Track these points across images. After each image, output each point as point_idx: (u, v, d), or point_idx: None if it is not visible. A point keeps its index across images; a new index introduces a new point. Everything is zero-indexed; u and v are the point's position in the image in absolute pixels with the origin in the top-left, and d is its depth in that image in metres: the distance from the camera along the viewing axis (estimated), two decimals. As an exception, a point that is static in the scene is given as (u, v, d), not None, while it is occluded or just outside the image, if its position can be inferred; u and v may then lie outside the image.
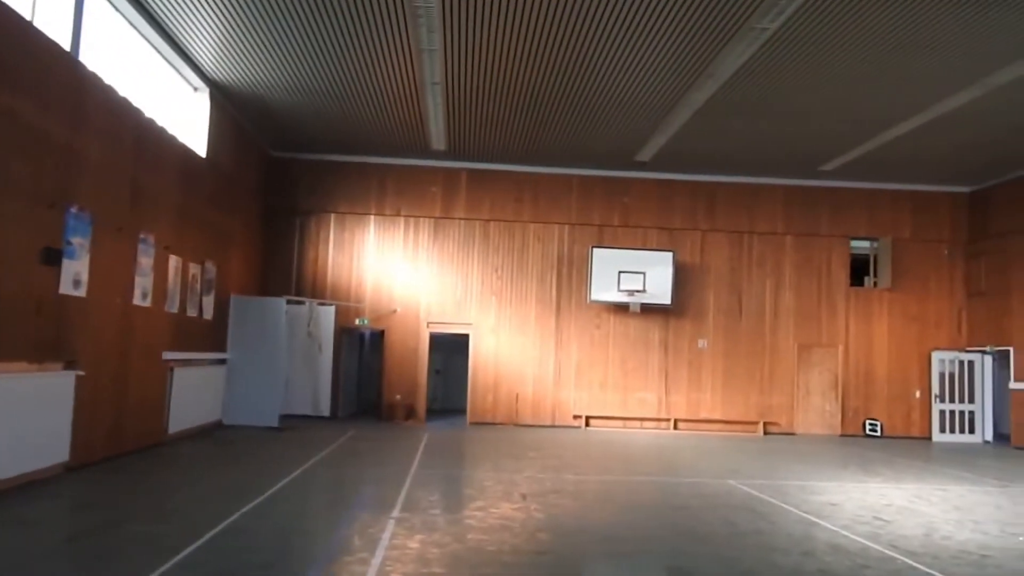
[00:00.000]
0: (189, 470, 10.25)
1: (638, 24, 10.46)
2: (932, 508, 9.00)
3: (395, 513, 7.62)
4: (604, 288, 17.57)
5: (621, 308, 17.87)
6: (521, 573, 5.83)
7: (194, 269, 13.10)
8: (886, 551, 6.76)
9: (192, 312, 13.09)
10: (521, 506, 8.28)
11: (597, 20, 10.40)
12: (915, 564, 6.33)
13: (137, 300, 10.88)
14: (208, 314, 13.89)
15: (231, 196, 15.06)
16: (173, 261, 12.15)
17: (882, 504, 9.14)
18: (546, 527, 7.32)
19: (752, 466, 12.23)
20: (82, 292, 9.25)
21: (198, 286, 13.33)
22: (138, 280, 10.88)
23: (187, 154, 12.77)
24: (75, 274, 9.08)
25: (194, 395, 13.26)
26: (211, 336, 14.19)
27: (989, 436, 18.07)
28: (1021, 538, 7.51)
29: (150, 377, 11.54)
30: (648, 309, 17.80)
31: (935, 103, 13.00)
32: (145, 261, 11.07)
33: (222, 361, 14.83)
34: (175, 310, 12.31)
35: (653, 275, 17.58)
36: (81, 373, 9.19)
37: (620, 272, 17.50)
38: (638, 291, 17.45)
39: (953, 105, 12.97)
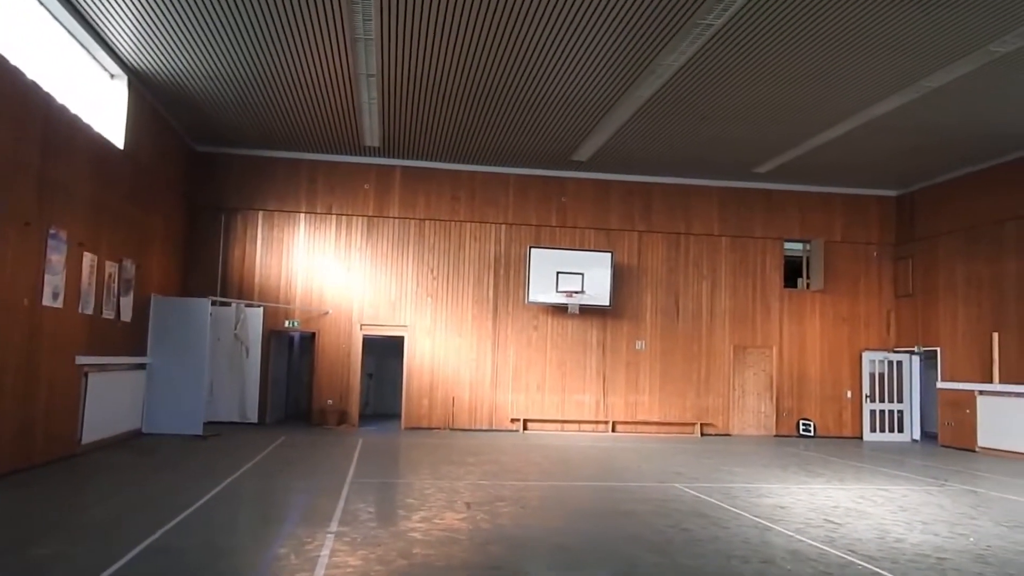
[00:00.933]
0: (106, 483, 9.50)
1: (582, 16, 10.20)
2: (879, 509, 8.96)
3: (333, 527, 7.12)
4: (542, 289, 17.29)
5: (559, 309, 17.63)
6: (474, 591, 5.45)
7: (111, 268, 12.28)
8: (845, 556, 6.60)
9: (109, 314, 12.26)
10: (466, 516, 7.89)
11: (540, 11, 10.10)
12: (876, 569, 6.18)
13: (47, 300, 10.05)
14: (126, 316, 13.05)
15: (151, 191, 14.22)
16: (88, 259, 11.33)
17: (830, 506, 9.06)
18: (495, 538, 6.94)
19: (695, 469, 12.09)
20: (-16, 291, 8.47)
21: (115, 286, 12.51)
22: (48, 279, 10.06)
23: (103, 145, 11.96)
24: (-24, 271, 8.30)
25: (111, 402, 12.43)
26: (130, 339, 13.34)
27: (917, 435, 18.47)
28: (971, 539, 7.47)
29: (61, 383, 10.69)
30: (586, 310, 17.60)
31: (868, 106, 13.13)
32: (56, 258, 10.26)
33: (142, 366, 13.97)
34: (90, 311, 11.48)
35: (591, 276, 17.38)
36: (-17, 380, 8.41)
37: (559, 273, 17.25)
38: (577, 292, 17.23)
39: (885, 108, 13.12)
